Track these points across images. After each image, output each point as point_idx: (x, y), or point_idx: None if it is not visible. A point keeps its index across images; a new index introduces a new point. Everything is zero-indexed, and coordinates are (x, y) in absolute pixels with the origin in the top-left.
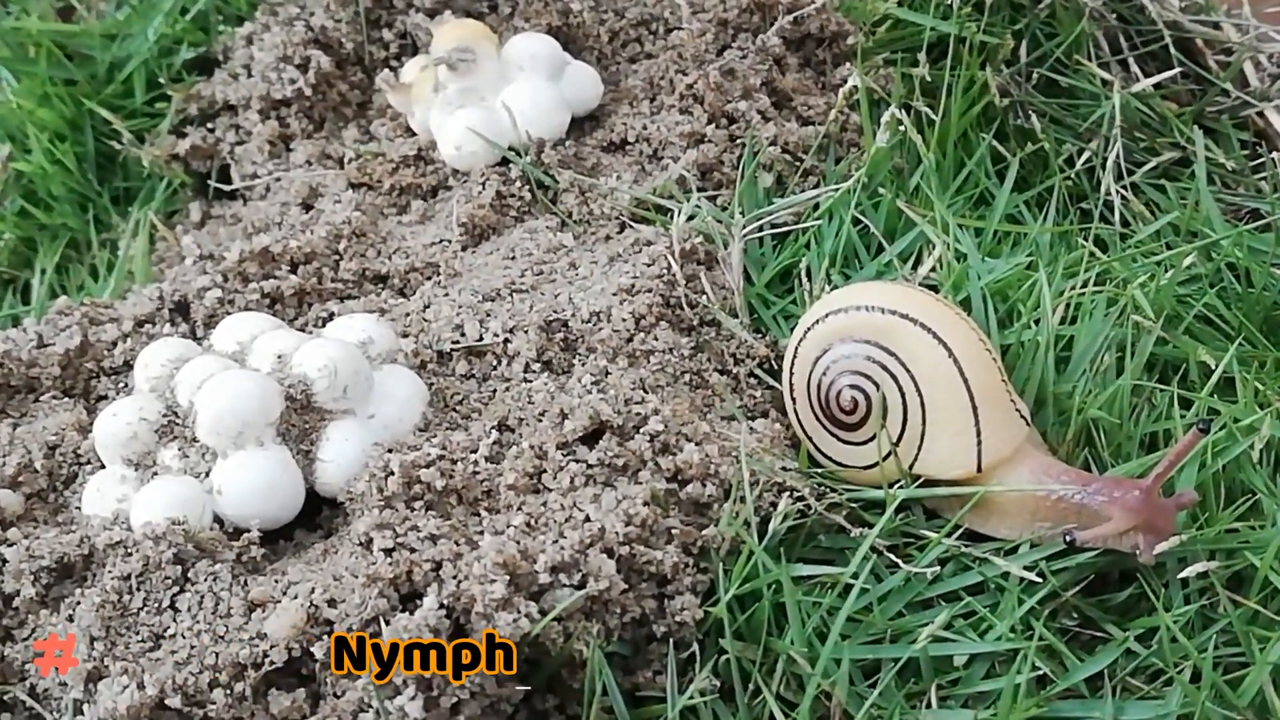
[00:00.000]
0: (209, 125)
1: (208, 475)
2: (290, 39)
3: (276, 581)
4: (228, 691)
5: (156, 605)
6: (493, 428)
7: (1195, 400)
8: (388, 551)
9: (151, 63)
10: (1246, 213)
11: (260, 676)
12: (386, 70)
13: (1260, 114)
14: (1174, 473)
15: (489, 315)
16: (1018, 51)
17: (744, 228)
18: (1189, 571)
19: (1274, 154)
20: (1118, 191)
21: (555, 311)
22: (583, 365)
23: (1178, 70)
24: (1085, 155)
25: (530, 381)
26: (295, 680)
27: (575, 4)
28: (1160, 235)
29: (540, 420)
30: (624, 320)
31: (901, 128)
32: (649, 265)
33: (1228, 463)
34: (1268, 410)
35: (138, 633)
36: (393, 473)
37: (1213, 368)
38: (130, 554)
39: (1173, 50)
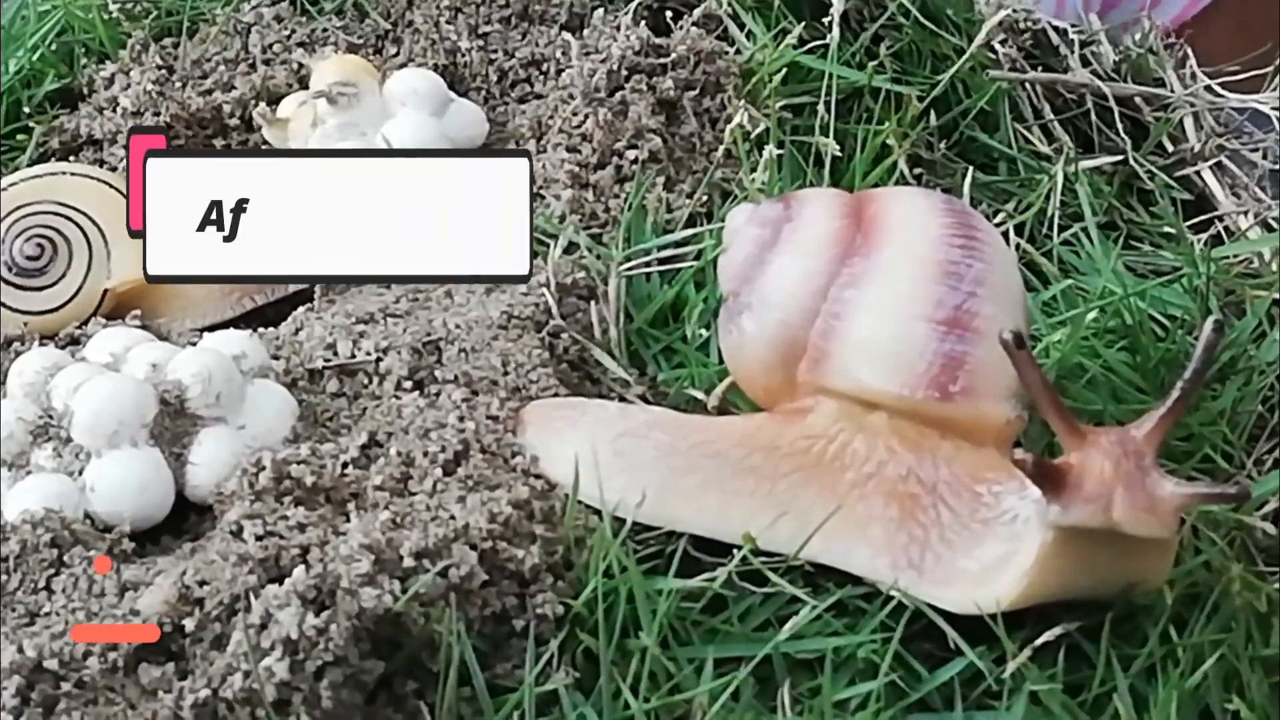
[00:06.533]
0: (71, 159)
1: (80, 474)
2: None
3: (148, 570)
4: (102, 660)
5: (33, 585)
6: (362, 443)
7: None
8: (258, 537)
9: (14, 93)
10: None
11: (131, 650)
12: (263, 104)
13: (1198, 174)
14: None
15: (362, 336)
16: (929, 111)
17: (620, 264)
18: None
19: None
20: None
21: (429, 334)
22: (455, 385)
23: (1118, 159)
24: (999, 215)
25: (400, 399)
26: (165, 656)
27: (463, 43)
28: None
29: (407, 434)
30: (497, 343)
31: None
32: (525, 295)
33: None
34: None
35: (14, 610)
36: (264, 468)
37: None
38: (7, 538)
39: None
